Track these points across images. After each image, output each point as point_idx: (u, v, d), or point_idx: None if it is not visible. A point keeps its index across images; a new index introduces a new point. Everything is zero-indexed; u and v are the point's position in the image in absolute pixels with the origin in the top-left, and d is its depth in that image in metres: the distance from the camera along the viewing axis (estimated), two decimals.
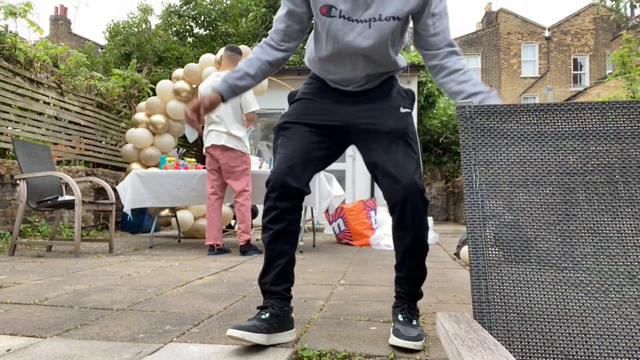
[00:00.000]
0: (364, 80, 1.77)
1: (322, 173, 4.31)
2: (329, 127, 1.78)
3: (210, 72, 5.57)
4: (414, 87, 9.05)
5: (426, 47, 1.69)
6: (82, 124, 6.75)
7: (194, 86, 6.10)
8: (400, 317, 1.70)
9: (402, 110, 1.77)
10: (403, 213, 1.66)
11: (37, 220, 5.47)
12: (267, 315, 1.62)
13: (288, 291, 1.72)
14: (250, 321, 1.59)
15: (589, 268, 1.26)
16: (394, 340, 1.59)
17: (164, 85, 6.31)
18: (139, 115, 6.44)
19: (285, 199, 1.66)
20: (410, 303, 1.77)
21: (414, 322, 1.69)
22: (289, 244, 1.71)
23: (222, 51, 4.69)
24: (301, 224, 5.40)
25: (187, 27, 12.71)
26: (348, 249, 5.09)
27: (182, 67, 6.55)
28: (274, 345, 1.60)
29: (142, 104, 6.57)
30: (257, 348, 1.57)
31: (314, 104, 1.82)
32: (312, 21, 1.77)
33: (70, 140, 6.56)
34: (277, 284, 1.68)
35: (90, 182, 6.35)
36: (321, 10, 1.63)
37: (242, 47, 5.68)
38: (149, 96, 7.39)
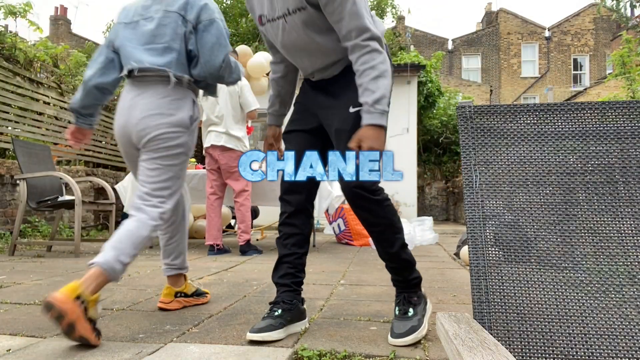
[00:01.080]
0: (315, 70, 1.79)
1: None
2: (314, 128, 1.85)
3: None
4: (413, 87, 9.03)
5: (340, 39, 1.63)
6: None
7: None
8: (396, 311, 1.75)
9: (352, 109, 1.69)
10: (354, 210, 1.75)
11: (37, 220, 5.48)
12: (280, 311, 1.74)
13: (297, 285, 1.84)
14: (265, 320, 1.70)
15: (589, 268, 1.26)
16: (389, 339, 1.64)
17: None
18: None
19: (293, 204, 1.83)
20: (406, 293, 1.80)
21: (410, 313, 1.71)
22: (297, 244, 1.82)
23: None
24: None
25: None
26: (348, 249, 5.09)
27: None
28: (274, 345, 1.60)
29: None
30: (257, 348, 1.58)
31: (300, 108, 1.91)
32: None
33: None
34: (286, 278, 1.82)
35: (90, 182, 6.35)
36: (258, 21, 1.76)
37: (241, 47, 5.66)
38: None
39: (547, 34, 25.87)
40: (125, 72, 1.89)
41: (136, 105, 1.87)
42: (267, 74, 6.11)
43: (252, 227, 5.72)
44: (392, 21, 15.69)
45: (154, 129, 1.84)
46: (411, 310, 1.73)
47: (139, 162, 1.94)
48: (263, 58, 5.81)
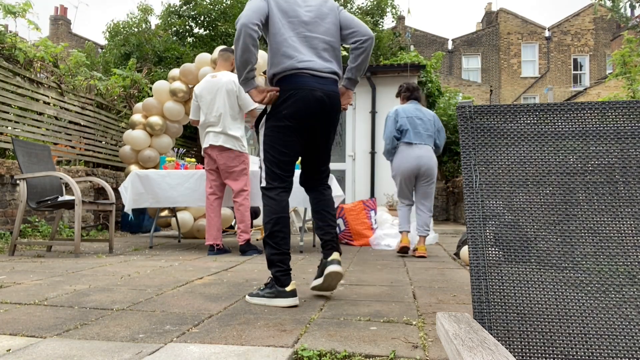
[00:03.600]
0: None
1: None
2: None
3: (207, 72, 5.54)
4: None
5: None
6: (82, 124, 6.75)
7: (190, 86, 6.05)
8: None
9: None
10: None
11: (37, 220, 5.48)
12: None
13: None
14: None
15: (589, 268, 1.26)
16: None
17: (160, 85, 6.23)
18: (136, 117, 6.39)
19: None
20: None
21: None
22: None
23: (216, 52, 4.68)
24: (301, 224, 5.40)
25: (187, 27, 12.72)
26: (348, 249, 5.09)
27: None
28: (274, 345, 1.60)
29: (138, 105, 6.52)
30: (257, 348, 1.58)
31: None
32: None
33: (70, 140, 6.56)
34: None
35: (90, 182, 6.35)
36: None
37: None
38: (149, 96, 7.38)
39: (547, 34, 25.88)
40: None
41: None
42: (263, 73, 6.11)
43: (252, 227, 5.71)
44: (392, 21, 15.70)
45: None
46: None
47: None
48: (259, 57, 5.79)
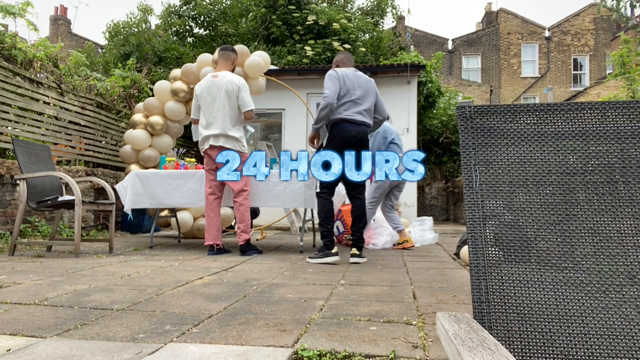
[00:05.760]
0: None
1: None
2: None
3: (209, 72, 5.54)
4: (413, 87, 9.04)
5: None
6: (82, 124, 6.75)
7: (191, 86, 6.05)
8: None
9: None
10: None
11: (37, 220, 5.48)
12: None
13: None
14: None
15: (589, 268, 1.26)
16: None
17: (161, 85, 6.22)
18: (137, 117, 6.39)
19: None
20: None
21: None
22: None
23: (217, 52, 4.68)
24: (301, 224, 5.40)
25: (187, 27, 12.72)
26: (348, 249, 5.08)
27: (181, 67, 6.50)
28: (274, 345, 1.60)
29: (139, 105, 6.52)
30: (257, 348, 1.58)
31: None
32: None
33: (70, 140, 6.56)
34: None
35: (90, 182, 6.35)
36: None
37: (239, 46, 5.65)
38: (149, 96, 7.38)
39: (547, 34, 25.87)
40: None
41: None
42: (264, 74, 6.12)
43: (252, 227, 5.72)
44: (392, 21, 15.71)
45: None
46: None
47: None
48: (260, 58, 5.80)
